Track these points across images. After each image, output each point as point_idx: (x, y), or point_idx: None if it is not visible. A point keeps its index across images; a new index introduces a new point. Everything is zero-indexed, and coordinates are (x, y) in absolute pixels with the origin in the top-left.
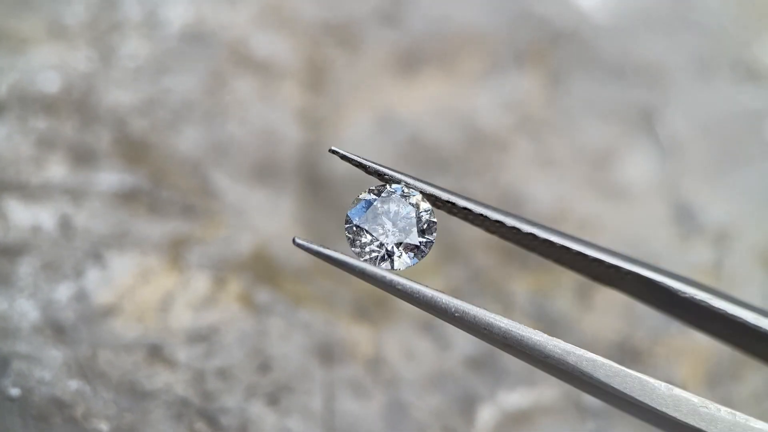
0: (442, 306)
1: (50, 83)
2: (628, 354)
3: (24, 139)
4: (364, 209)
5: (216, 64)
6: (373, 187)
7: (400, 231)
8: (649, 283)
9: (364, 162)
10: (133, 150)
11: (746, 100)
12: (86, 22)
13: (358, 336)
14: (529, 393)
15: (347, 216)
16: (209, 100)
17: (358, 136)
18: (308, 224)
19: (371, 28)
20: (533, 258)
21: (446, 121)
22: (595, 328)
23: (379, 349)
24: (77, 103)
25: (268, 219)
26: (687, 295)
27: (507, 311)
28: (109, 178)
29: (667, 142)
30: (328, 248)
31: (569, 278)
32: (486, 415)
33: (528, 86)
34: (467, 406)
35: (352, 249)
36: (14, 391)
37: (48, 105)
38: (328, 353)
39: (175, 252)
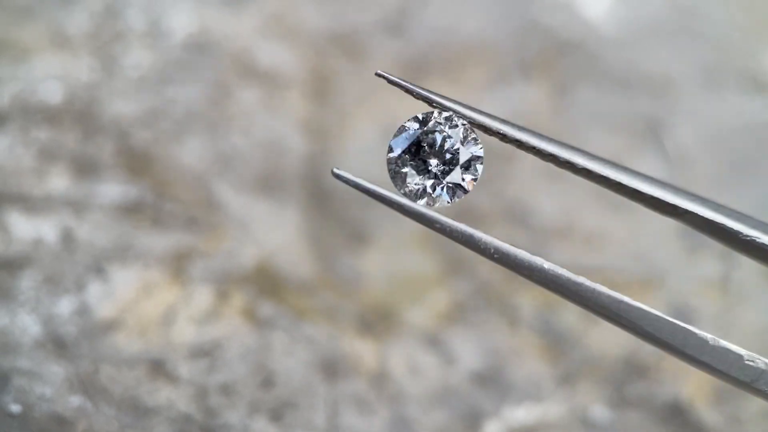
0: (482, 246)
1: (52, 93)
2: (634, 369)
3: (26, 151)
4: (407, 140)
5: (220, 74)
6: (420, 115)
7: (443, 166)
8: (709, 223)
9: (410, 86)
10: (136, 161)
11: (753, 110)
12: (89, 32)
13: (363, 351)
14: (535, 409)
15: (389, 145)
16: (213, 111)
17: (363, 146)
18: (313, 236)
19: (376, 38)
20: None
21: None
22: (601, 342)
23: (384, 364)
24: (80, 114)
25: (272, 231)
26: (749, 238)
27: (512, 325)
28: (112, 190)
29: (674, 153)
30: (366, 181)
31: None
32: (492, 431)
33: (534, 97)
34: (472, 422)
35: (393, 182)
36: (15, 408)
37: (50, 116)
38: (332, 368)
39: (178, 265)
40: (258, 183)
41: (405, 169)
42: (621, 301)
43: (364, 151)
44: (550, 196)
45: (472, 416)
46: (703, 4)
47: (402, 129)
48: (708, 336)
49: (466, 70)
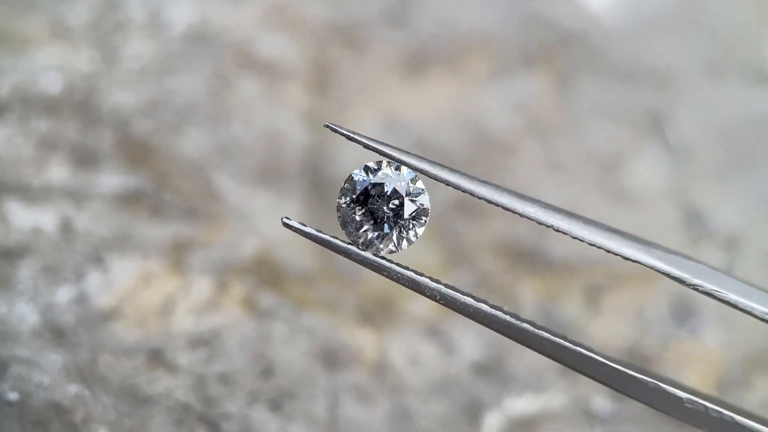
0: (428, 292)
1: (52, 84)
2: (637, 360)
3: (25, 141)
4: (357, 190)
5: (220, 65)
6: (371, 164)
7: (391, 216)
8: (658, 269)
9: (359, 138)
10: (136, 152)
11: (756, 103)
12: (89, 23)
13: (363, 341)
14: (536, 399)
15: (339, 194)
16: (213, 102)
17: None
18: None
19: (378, 29)
20: (541, 262)
21: (453, 124)
22: (603, 333)
23: (384, 355)
24: (79, 105)
25: (272, 222)
26: (693, 285)
27: None
28: (111, 180)
29: (677, 145)
30: (316, 230)
31: (577, 283)
32: (492, 421)
33: (536, 89)
34: (473, 412)
35: (342, 229)
36: (13, 396)
37: (50, 106)
38: (331, 358)
39: (177, 255)
40: (258, 174)
41: (353, 218)
42: (564, 347)
43: None
44: (552, 187)
45: (473, 407)
46: None
47: (351, 178)
48: (648, 380)
49: (468, 62)
